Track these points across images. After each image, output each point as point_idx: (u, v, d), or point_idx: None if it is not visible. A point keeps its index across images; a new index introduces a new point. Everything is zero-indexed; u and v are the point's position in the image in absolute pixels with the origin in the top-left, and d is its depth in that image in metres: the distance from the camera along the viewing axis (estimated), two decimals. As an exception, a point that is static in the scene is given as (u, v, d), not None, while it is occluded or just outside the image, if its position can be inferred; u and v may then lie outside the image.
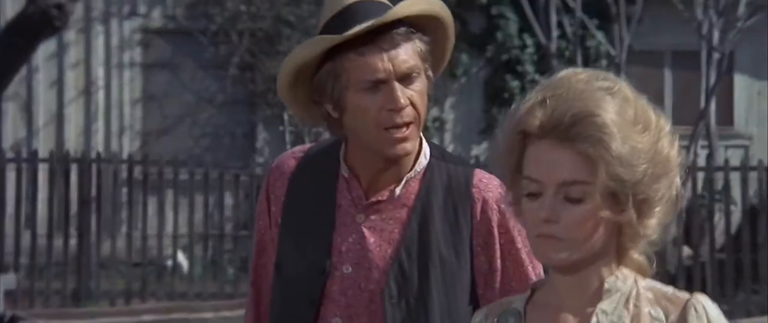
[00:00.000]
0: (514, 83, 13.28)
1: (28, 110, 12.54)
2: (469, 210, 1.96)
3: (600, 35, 12.49)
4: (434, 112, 13.41)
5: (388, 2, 1.91)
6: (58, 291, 9.78)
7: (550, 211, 1.44)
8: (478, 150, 13.12)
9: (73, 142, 12.62)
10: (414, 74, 1.87)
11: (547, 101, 1.46)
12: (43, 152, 11.10)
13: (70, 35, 12.34)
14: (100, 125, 13.07)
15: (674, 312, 1.50)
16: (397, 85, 1.85)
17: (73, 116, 13.01)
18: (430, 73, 1.91)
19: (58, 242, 10.14)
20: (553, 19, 12.20)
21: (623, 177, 1.43)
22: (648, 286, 1.54)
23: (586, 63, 12.66)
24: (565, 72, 1.51)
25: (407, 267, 1.92)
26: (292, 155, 2.04)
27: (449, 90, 13.49)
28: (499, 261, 1.97)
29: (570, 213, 1.45)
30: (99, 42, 12.94)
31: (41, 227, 10.40)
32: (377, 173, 1.94)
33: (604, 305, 1.50)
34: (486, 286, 1.97)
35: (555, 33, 12.31)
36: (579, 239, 1.46)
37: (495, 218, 1.97)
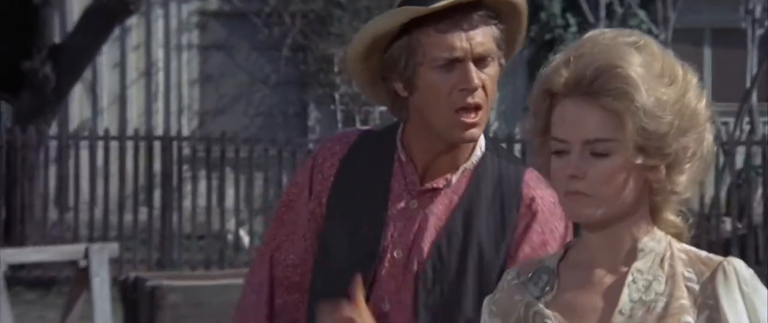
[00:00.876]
0: None
1: (92, 91, 12.82)
2: (516, 206, 1.94)
3: (642, 14, 12.56)
4: None
5: None
6: (142, 260, 10.04)
7: (576, 167, 1.42)
8: (521, 128, 13.12)
9: (134, 122, 12.76)
10: (489, 58, 1.84)
11: (572, 59, 1.44)
12: (111, 132, 11.08)
13: (132, 19, 12.42)
14: (160, 105, 13.36)
15: (706, 273, 1.48)
16: (471, 65, 1.82)
17: (135, 96, 13.31)
18: (502, 60, 1.88)
19: (128, 216, 10.34)
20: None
21: (649, 129, 1.41)
22: (682, 248, 1.51)
23: None
24: (592, 32, 1.49)
25: (446, 255, 1.90)
26: (345, 137, 2.01)
27: None
28: (525, 253, 1.95)
29: (596, 168, 1.42)
30: (158, 25, 13.17)
31: (112, 203, 10.54)
32: (434, 158, 1.92)
33: (639, 264, 1.48)
34: None
35: (603, 12, 12.46)
36: (607, 195, 1.43)
37: (539, 217, 1.95)
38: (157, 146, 10.75)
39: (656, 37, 11.64)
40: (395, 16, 1.84)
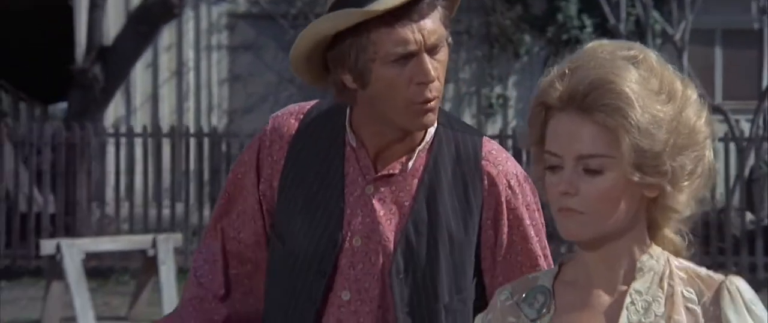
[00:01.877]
0: None
1: (126, 90, 12.99)
2: (479, 183, 1.88)
3: (657, 14, 12.67)
4: (498, 89, 13.93)
5: None
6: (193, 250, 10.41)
7: (568, 184, 1.37)
8: None
9: (166, 119, 13.03)
10: (440, 45, 1.78)
11: (567, 72, 1.39)
12: (139, 129, 11.34)
13: (164, 21, 12.67)
14: (191, 103, 13.57)
15: (708, 293, 1.42)
16: (426, 57, 1.75)
17: (167, 95, 13.52)
18: (450, 39, 1.81)
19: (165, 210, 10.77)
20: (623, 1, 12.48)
21: (643, 147, 1.35)
22: (681, 266, 1.45)
23: (644, 42, 13.25)
24: (591, 44, 1.42)
25: (415, 242, 1.84)
26: (290, 116, 1.91)
27: (512, 69, 13.95)
28: (505, 236, 1.89)
29: (589, 185, 1.36)
30: (189, 27, 13.32)
31: (138, 197, 10.82)
32: (388, 144, 1.85)
33: (638, 284, 1.42)
34: (492, 260, 1.90)
35: (623, 14, 12.57)
36: (601, 213, 1.37)
37: (504, 192, 1.89)
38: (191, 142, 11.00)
39: (671, 37, 12.05)
40: (343, 19, 1.74)
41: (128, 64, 11.10)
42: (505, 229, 1.88)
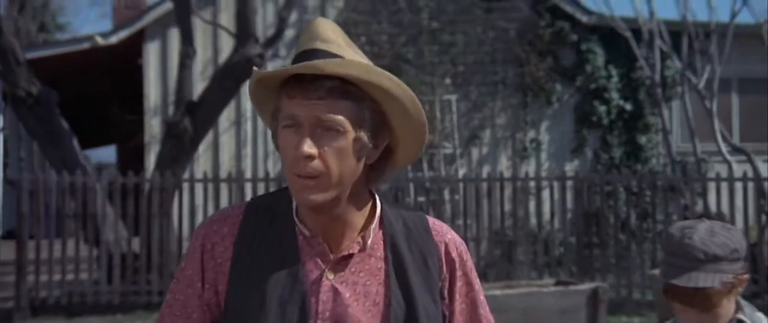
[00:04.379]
0: (602, 108, 14.31)
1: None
2: (435, 255, 1.87)
3: (678, 64, 13.32)
4: (531, 134, 14.51)
5: (342, 57, 1.78)
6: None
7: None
8: (570, 167, 14.11)
9: (225, 165, 13.77)
10: (335, 130, 1.74)
11: None
12: (200, 175, 11.87)
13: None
14: (248, 150, 14.12)
15: None
16: (307, 132, 1.75)
17: (227, 143, 14.11)
18: (364, 136, 1.77)
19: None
20: (657, 54, 13.29)
21: None
22: None
23: (664, 89, 14.07)
24: None
25: (400, 319, 1.80)
26: (228, 217, 1.85)
27: (544, 115, 14.54)
28: (458, 304, 1.89)
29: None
30: (246, 82, 13.24)
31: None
32: (333, 227, 1.82)
33: None
34: None
35: (659, 65, 13.44)
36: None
37: (456, 260, 1.90)
38: (247, 186, 11.48)
39: (695, 86, 12.93)
40: (253, 77, 1.82)
41: (214, 116, 11.68)
42: (458, 297, 1.90)
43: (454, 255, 1.90)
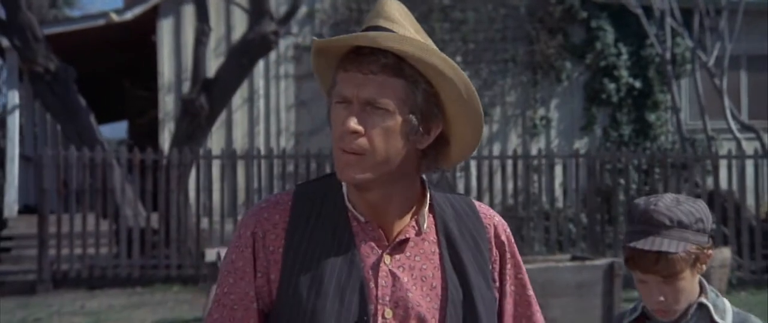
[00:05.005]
0: (611, 86, 14.42)
1: None
2: (485, 237, 1.88)
3: (688, 41, 13.52)
4: (541, 111, 14.63)
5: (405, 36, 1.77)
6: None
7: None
8: (580, 144, 14.22)
9: (239, 142, 13.82)
10: (384, 109, 1.73)
11: None
12: (216, 151, 12.02)
13: (238, 53, 13.23)
14: (261, 127, 14.25)
15: None
16: (354, 107, 1.73)
17: (240, 120, 14.20)
18: (413, 119, 1.75)
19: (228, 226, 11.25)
20: (668, 31, 13.36)
21: None
22: None
23: (674, 66, 14.12)
24: None
25: (457, 304, 1.80)
26: (278, 204, 1.82)
27: (554, 92, 14.65)
28: (508, 286, 1.90)
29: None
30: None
31: (216, 213, 11.50)
32: (385, 212, 1.80)
33: None
34: (501, 311, 1.90)
35: (669, 42, 13.51)
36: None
37: (505, 243, 1.91)
38: (263, 163, 11.62)
39: (705, 63, 13.03)
40: (313, 46, 1.82)
41: (229, 93, 11.77)
42: (508, 279, 1.90)
43: (502, 237, 1.91)
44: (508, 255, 1.91)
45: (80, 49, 14.44)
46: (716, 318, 2.27)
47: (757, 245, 11.16)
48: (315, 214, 1.80)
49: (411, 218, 1.82)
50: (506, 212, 12.58)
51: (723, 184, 11.82)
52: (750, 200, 11.69)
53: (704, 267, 2.26)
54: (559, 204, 12.88)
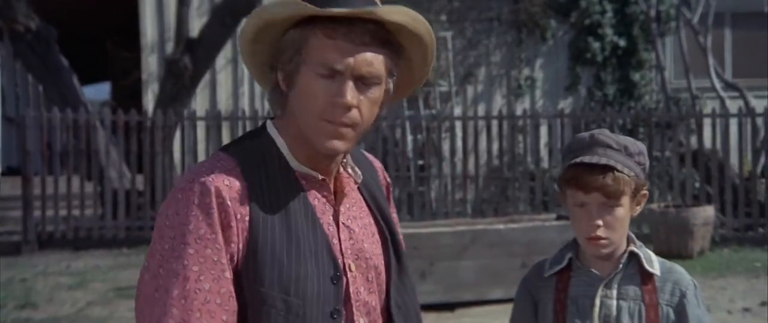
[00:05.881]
0: (596, 45, 14.37)
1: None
2: (379, 180, 1.94)
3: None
4: (526, 71, 14.57)
5: (378, 2, 1.76)
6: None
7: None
8: (564, 104, 14.18)
9: (223, 104, 13.77)
10: (373, 81, 1.71)
11: None
12: (200, 113, 11.98)
13: (222, 13, 13.05)
14: (245, 88, 14.11)
15: None
16: (350, 82, 1.69)
17: (224, 81, 14.07)
18: (390, 86, 1.76)
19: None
20: None
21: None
22: None
23: (658, 24, 14.07)
24: None
25: (390, 251, 1.86)
26: (228, 170, 1.71)
27: (539, 52, 14.60)
28: (395, 225, 1.94)
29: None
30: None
31: None
32: (325, 163, 1.78)
33: None
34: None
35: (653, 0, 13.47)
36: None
37: (389, 184, 2.00)
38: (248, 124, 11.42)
39: (689, 21, 13.02)
40: (287, 8, 1.69)
41: (213, 54, 11.68)
42: (393, 216, 1.95)
43: (387, 179, 1.99)
44: (390, 194, 1.99)
45: (62, 9, 14.30)
46: (647, 266, 2.28)
47: (740, 203, 11.24)
48: (264, 177, 1.73)
49: (343, 170, 1.83)
50: (492, 173, 12.65)
51: (707, 143, 11.88)
52: (733, 158, 11.76)
53: (639, 208, 2.29)
54: (544, 164, 12.91)
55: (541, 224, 7.91)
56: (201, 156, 11.78)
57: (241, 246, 1.68)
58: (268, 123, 1.81)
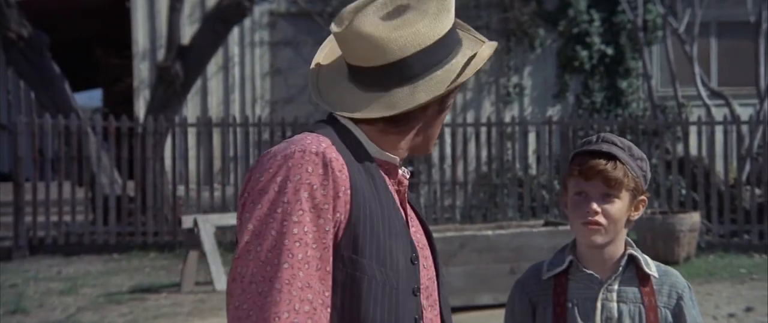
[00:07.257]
0: (584, 53, 14.49)
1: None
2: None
3: (660, 8, 13.53)
4: (515, 79, 14.71)
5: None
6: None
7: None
8: (553, 111, 14.32)
9: (214, 110, 13.81)
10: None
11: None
12: (191, 119, 12.05)
13: (212, 20, 13.11)
14: (236, 95, 14.19)
15: None
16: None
17: (215, 88, 14.16)
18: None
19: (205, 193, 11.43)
20: None
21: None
22: None
23: (645, 33, 14.14)
24: None
25: (430, 242, 1.94)
26: (330, 144, 1.74)
27: (527, 60, 14.72)
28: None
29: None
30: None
31: (191, 180, 11.48)
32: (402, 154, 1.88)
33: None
34: None
35: (641, 9, 13.59)
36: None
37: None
38: (239, 131, 11.61)
39: (675, 30, 13.15)
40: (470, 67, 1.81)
41: (204, 61, 11.75)
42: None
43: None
44: None
45: (53, 16, 14.36)
46: (646, 269, 2.30)
47: (726, 209, 11.37)
48: (352, 157, 1.76)
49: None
50: (480, 180, 12.74)
51: (693, 150, 12.00)
52: (719, 165, 11.85)
53: (637, 214, 2.30)
54: (533, 171, 13.02)
55: (529, 231, 8.02)
56: (192, 162, 11.82)
57: (344, 216, 1.70)
58: (338, 117, 1.83)
